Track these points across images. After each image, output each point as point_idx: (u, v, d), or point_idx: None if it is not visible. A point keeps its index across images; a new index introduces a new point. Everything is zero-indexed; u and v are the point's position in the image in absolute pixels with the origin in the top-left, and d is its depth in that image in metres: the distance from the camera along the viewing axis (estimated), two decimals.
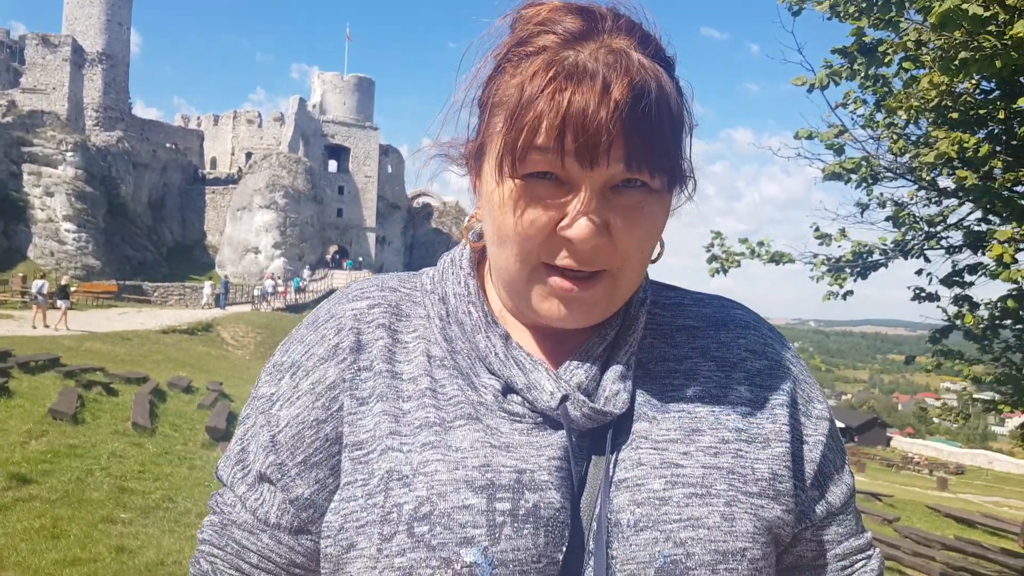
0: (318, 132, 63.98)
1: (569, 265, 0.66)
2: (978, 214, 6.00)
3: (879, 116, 6.41)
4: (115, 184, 54.21)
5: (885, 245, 6.66)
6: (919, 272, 6.53)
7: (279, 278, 50.19)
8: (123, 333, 21.14)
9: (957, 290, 6.25)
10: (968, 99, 5.31)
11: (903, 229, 6.60)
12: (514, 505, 0.66)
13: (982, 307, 6.25)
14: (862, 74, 5.95)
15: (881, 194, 6.80)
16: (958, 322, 6.28)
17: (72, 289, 24.48)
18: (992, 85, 5.38)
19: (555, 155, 0.63)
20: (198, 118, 70.71)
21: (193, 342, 24.42)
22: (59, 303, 20.54)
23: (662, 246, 0.74)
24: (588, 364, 0.73)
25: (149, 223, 58.73)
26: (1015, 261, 5.10)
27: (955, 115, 5.32)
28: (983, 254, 5.84)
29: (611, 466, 0.70)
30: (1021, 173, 5.11)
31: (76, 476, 6.85)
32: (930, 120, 5.65)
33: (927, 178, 6.19)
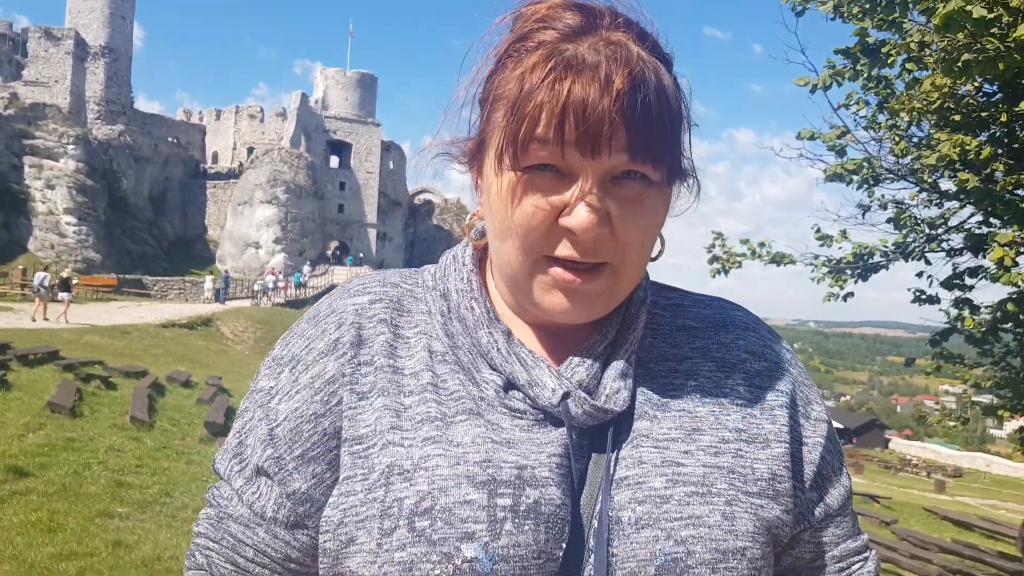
0: (320, 128, 63.97)
1: (571, 256, 0.66)
2: (979, 217, 6.00)
3: (881, 117, 6.41)
4: (116, 178, 54.25)
5: (886, 247, 6.66)
6: (920, 274, 6.54)
7: (280, 273, 50.18)
8: (122, 327, 21.14)
9: (957, 293, 6.25)
10: (970, 101, 5.31)
11: (904, 231, 6.60)
12: (515, 501, 0.66)
13: (982, 310, 6.25)
14: (865, 75, 5.95)
15: (882, 196, 6.81)
16: (958, 325, 6.28)
17: (74, 282, 24.47)
18: (995, 88, 5.39)
19: (556, 146, 0.63)
20: (200, 112, 70.68)
21: (192, 336, 24.43)
22: (61, 295, 20.56)
23: (662, 244, 0.74)
24: (589, 361, 0.73)
25: (150, 217, 58.75)
26: (1016, 264, 5.10)
27: (957, 117, 5.32)
28: (984, 257, 5.84)
29: (612, 464, 0.70)
30: (1022, 176, 5.11)
31: (73, 470, 6.85)
32: (932, 122, 5.65)
33: (928, 180, 6.19)
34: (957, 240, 6.46)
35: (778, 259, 6.88)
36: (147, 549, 5.23)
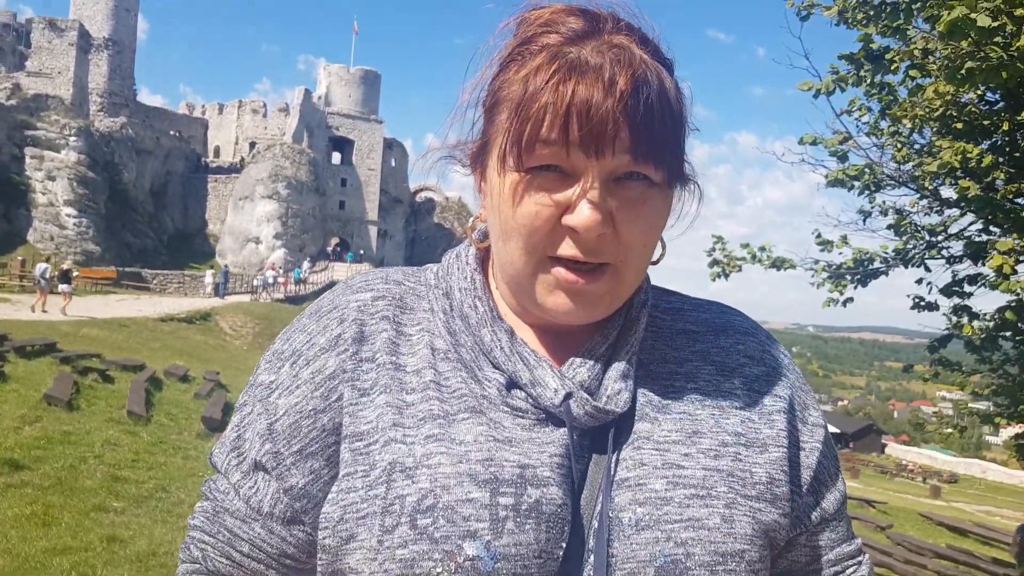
0: (323, 124, 63.95)
1: (574, 256, 0.67)
2: (979, 225, 6.01)
3: (884, 124, 6.42)
4: (117, 170, 54.18)
5: (886, 253, 6.67)
6: (919, 281, 6.54)
7: (280, 269, 50.16)
8: (121, 320, 21.09)
9: (956, 300, 6.25)
10: (973, 110, 5.32)
11: (904, 238, 6.61)
12: (516, 500, 0.66)
13: (981, 317, 6.25)
14: (868, 81, 5.96)
15: (883, 202, 6.82)
16: (957, 332, 6.29)
17: (75, 274, 24.46)
18: (997, 96, 5.39)
19: (560, 146, 0.64)
20: (203, 106, 70.62)
21: (191, 331, 24.39)
22: (61, 287, 20.55)
23: (663, 247, 0.75)
24: (591, 363, 0.73)
25: (150, 210, 58.70)
26: (1015, 272, 5.10)
27: (959, 125, 5.32)
28: (983, 265, 5.84)
29: (613, 465, 0.70)
30: (1023, 185, 5.12)
31: (69, 463, 6.82)
32: (934, 129, 5.65)
33: (930, 187, 6.19)
34: (957, 247, 6.47)
35: (778, 264, 6.89)
36: (142, 544, 5.21)
